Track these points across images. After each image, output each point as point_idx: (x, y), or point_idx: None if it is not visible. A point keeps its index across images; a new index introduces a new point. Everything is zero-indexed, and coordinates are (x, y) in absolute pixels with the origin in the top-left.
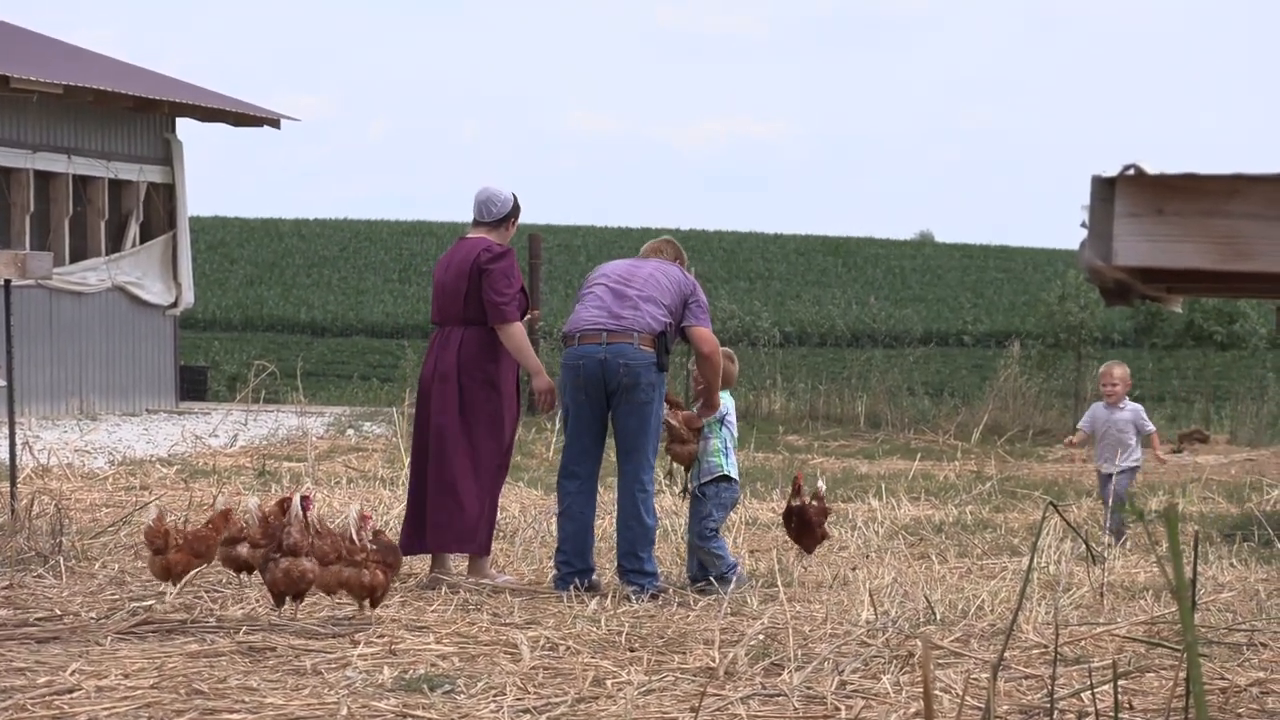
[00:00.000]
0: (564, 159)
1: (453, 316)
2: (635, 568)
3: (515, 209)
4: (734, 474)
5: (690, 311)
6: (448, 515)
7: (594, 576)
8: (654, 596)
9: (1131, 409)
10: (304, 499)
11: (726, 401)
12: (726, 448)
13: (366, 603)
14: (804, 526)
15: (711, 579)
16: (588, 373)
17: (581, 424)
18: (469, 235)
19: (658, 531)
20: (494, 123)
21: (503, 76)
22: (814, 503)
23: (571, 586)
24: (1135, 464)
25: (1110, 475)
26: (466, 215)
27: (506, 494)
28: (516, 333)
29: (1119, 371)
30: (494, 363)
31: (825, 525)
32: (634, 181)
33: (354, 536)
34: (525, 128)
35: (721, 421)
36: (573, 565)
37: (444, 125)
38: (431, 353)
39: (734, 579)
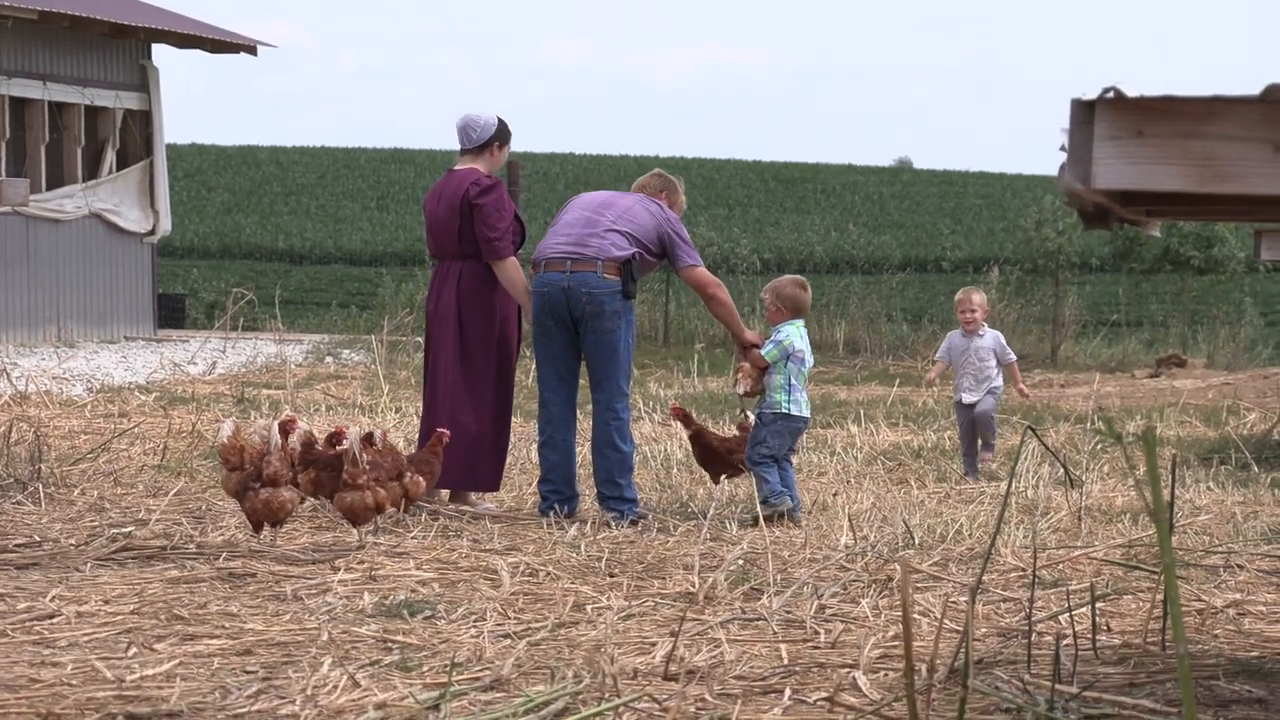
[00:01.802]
0: (542, 87)
1: (449, 251)
2: (614, 494)
3: (500, 132)
4: (795, 411)
5: (678, 252)
6: (451, 452)
7: (577, 503)
8: (634, 523)
9: (991, 336)
10: (336, 433)
11: (792, 335)
12: (790, 384)
13: (396, 510)
14: (708, 454)
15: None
16: (552, 300)
17: (551, 351)
18: (457, 167)
19: (637, 458)
20: (470, 51)
21: (478, 5)
22: (739, 433)
23: (551, 512)
24: (998, 386)
25: (970, 405)
26: (443, 143)
27: None
28: (510, 268)
29: (978, 298)
30: (493, 294)
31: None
32: (612, 109)
33: (356, 458)
34: (501, 56)
35: (788, 357)
36: (561, 493)
37: (420, 54)
38: (434, 289)
39: (774, 505)
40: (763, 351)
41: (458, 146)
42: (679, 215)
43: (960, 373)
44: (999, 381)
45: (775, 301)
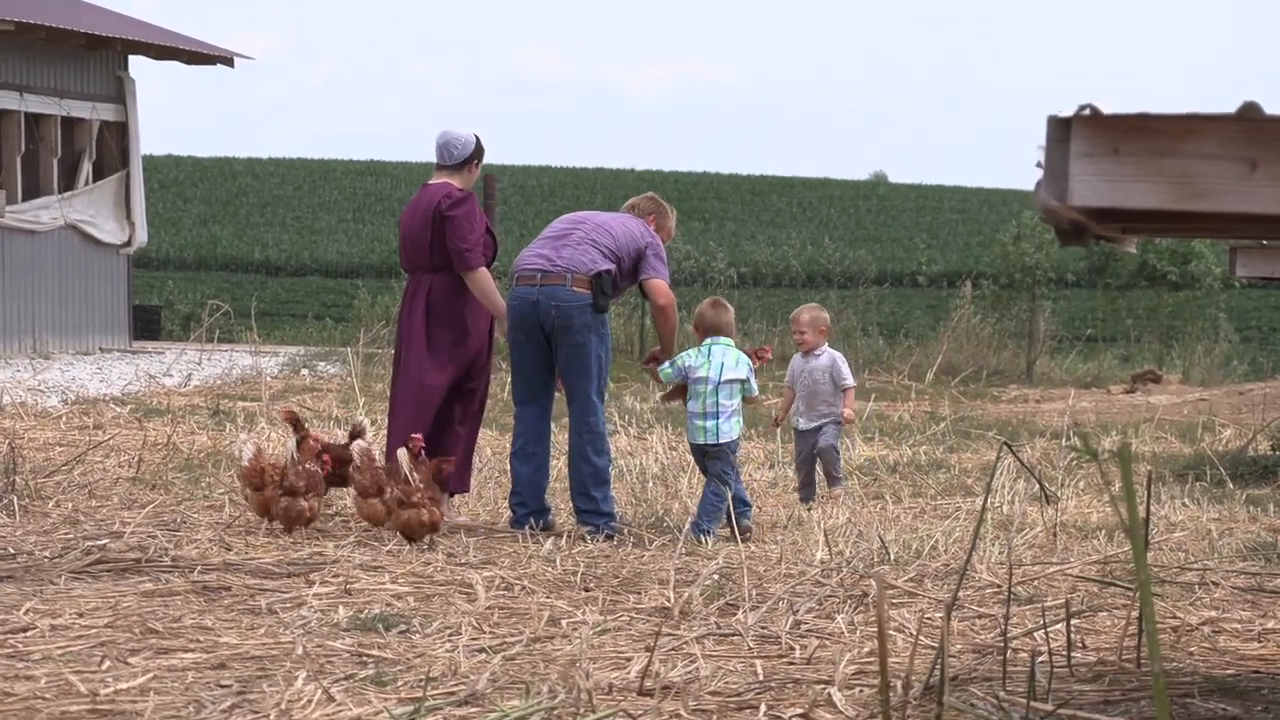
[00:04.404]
0: (516, 100)
1: (421, 264)
2: (590, 508)
3: (477, 150)
4: (688, 437)
5: (648, 263)
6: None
7: (550, 516)
8: (608, 537)
9: (828, 357)
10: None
11: (687, 357)
12: (691, 411)
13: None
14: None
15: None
16: (522, 314)
17: (524, 364)
18: (432, 181)
19: (613, 471)
20: (445, 63)
21: (453, 17)
22: (349, 440)
23: (527, 527)
24: (835, 418)
25: (806, 431)
26: (419, 155)
27: None
28: (482, 278)
29: (806, 316)
30: (465, 307)
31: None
32: (587, 122)
33: (408, 476)
34: (476, 69)
35: (684, 375)
36: (527, 506)
37: (395, 66)
38: (405, 301)
39: (700, 526)
40: (660, 369)
41: (434, 160)
42: (665, 240)
43: (799, 396)
44: (837, 414)
45: (694, 324)
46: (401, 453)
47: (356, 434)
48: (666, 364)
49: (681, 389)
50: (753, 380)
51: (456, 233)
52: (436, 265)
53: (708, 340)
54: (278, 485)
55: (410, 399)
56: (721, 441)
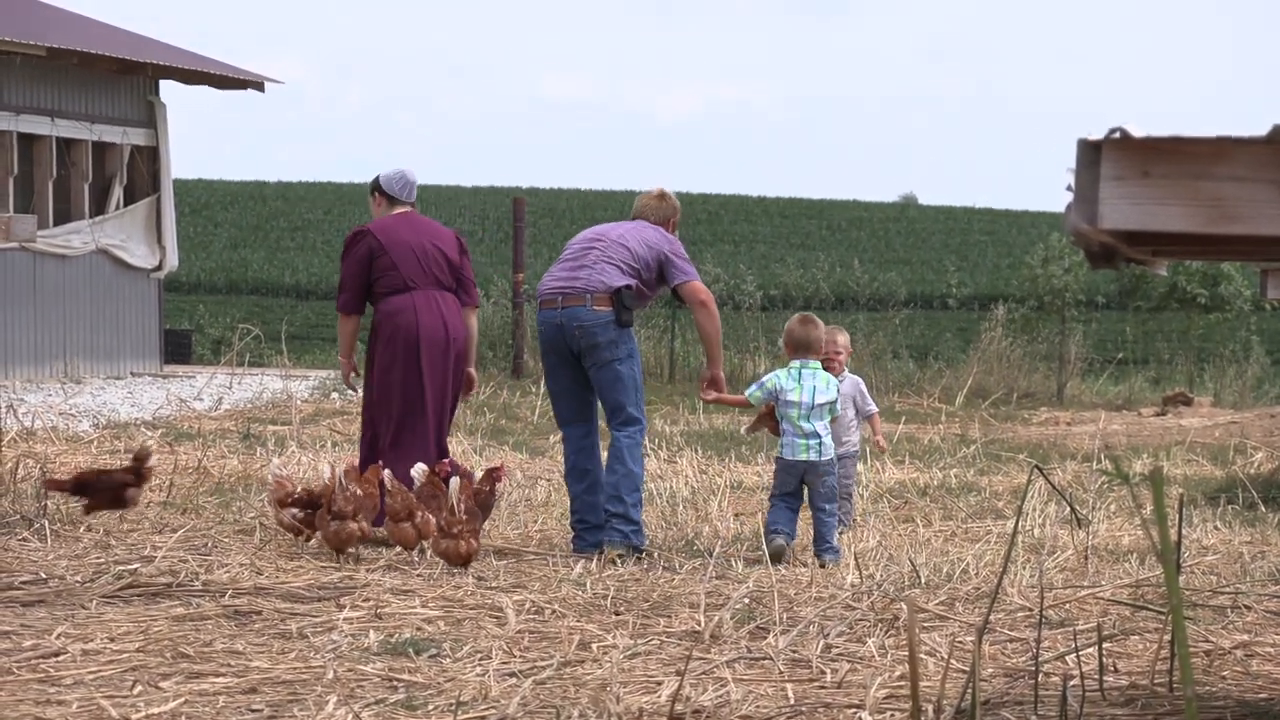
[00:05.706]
0: (544, 123)
1: (438, 282)
2: (619, 511)
3: None
4: (784, 454)
5: (674, 269)
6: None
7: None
8: (639, 559)
9: (851, 382)
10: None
11: (779, 378)
12: (782, 429)
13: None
14: (95, 490)
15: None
16: (549, 338)
17: (561, 385)
18: (409, 213)
19: (643, 495)
20: (473, 87)
21: (481, 41)
22: (135, 462)
23: (589, 550)
24: (854, 450)
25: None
26: (449, 178)
27: (493, 457)
28: (477, 318)
29: (842, 338)
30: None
31: (134, 491)
32: (615, 145)
33: (454, 507)
34: (504, 92)
35: (775, 397)
36: (587, 522)
37: (424, 89)
38: (430, 313)
39: (766, 541)
40: (747, 392)
41: (401, 195)
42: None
43: None
44: (856, 437)
45: (784, 340)
46: (454, 481)
47: (140, 458)
48: (755, 386)
49: (765, 418)
50: (839, 403)
51: (470, 268)
52: (447, 286)
53: (797, 363)
54: (326, 509)
55: (443, 416)
56: (825, 458)
